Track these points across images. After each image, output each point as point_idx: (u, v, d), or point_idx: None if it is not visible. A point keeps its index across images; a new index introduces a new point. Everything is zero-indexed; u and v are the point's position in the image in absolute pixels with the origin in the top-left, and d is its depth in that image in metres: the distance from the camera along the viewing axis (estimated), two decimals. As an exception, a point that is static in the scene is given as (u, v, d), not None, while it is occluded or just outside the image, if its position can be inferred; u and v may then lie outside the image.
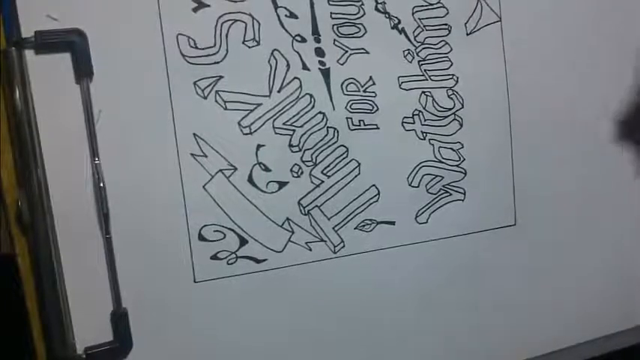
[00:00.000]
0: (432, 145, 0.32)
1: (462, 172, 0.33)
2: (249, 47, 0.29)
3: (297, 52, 0.29)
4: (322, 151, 0.30)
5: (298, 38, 0.29)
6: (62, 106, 0.26)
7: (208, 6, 0.28)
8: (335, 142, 0.31)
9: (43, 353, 0.27)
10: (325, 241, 0.31)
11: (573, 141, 0.35)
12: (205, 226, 0.29)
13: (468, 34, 0.32)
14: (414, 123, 0.32)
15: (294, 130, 0.30)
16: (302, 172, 0.30)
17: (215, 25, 0.28)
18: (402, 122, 0.32)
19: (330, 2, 0.30)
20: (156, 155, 0.28)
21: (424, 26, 0.31)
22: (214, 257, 0.29)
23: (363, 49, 0.30)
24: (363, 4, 0.30)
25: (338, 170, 0.31)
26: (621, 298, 0.37)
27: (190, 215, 0.29)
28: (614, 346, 0.38)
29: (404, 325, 0.33)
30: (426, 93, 0.32)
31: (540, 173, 0.34)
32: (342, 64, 0.30)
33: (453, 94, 0.32)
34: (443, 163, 0.32)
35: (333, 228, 0.31)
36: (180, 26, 0.28)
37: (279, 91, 0.29)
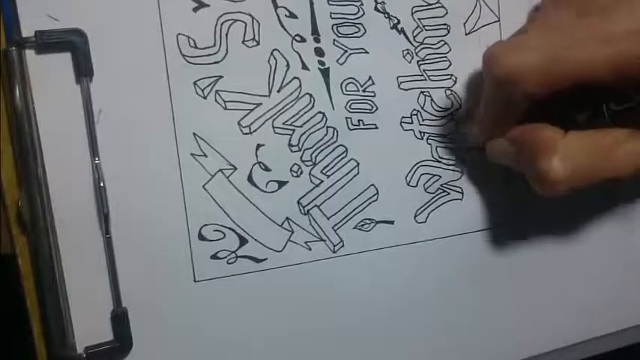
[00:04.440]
0: (430, 144, 0.32)
1: (459, 172, 0.33)
2: (249, 47, 0.29)
3: (297, 52, 0.30)
4: (322, 150, 0.30)
5: (298, 38, 0.30)
6: (62, 106, 0.26)
7: (208, 6, 0.28)
8: (334, 142, 0.31)
9: (43, 353, 0.27)
10: (325, 241, 0.31)
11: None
12: (205, 225, 0.29)
13: (466, 34, 0.32)
14: (412, 123, 0.32)
15: (293, 130, 0.30)
16: (301, 172, 0.30)
17: (215, 25, 0.28)
18: (401, 122, 0.32)
19: (330, 2, 0.30)
20: (156, 155, 0.28)
21: (423, 26, 0.31)
22: (214, 257, 0.29)
23: (362, 48, 0.31)
24: (362, 4, 0.30)
25: (337, 170, 0.31)
26: (622, 296, 0.37)
27: (190, 215, 0.29)
28: (618, 343, 0.38)
29: (403, 323, 0.33)
30: (425, 93, 0.32)
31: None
32: (341, 64, 0.30)
33: (452, 94, 0.32)
34: (440, 162, 0.33)
35: (333, 227, 0.31)
36: (180, 26, 0.28)
37: (278, 91, 0.30)
